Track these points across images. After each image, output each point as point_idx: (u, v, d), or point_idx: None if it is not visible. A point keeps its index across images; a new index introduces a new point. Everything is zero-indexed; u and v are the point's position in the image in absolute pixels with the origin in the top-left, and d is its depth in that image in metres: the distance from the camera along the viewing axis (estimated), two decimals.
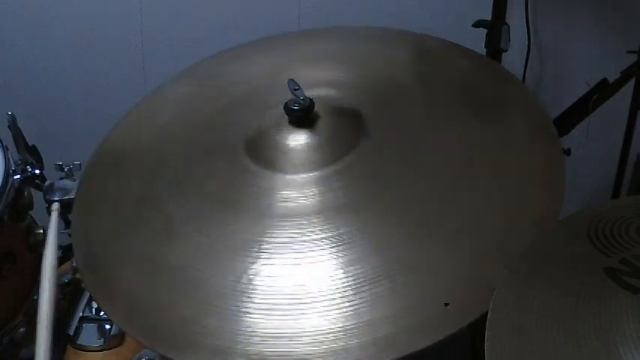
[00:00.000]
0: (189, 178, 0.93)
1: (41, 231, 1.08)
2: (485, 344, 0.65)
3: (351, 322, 0.75)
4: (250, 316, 0.77)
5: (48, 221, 1.03)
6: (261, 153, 0.92)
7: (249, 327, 0.76)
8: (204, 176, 0.93)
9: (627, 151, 1.43)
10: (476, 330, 0.72)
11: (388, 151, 0.91)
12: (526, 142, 0.93)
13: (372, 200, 0.86)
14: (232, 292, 0.79)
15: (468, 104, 0.97)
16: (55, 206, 1.03)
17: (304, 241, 0.82)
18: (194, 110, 1.05)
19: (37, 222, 1.11)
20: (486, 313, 0.69)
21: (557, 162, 0.90)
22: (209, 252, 0.83)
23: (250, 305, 0.77)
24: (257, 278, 0.79)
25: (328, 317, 0.75)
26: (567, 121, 1.27)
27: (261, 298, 0.78)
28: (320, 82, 0.98)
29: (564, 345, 0.64)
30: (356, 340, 0.73)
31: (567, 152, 1.31)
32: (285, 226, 0.84)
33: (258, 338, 0.75)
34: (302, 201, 0.86)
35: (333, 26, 1.18)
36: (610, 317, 0.65)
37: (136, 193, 0.93)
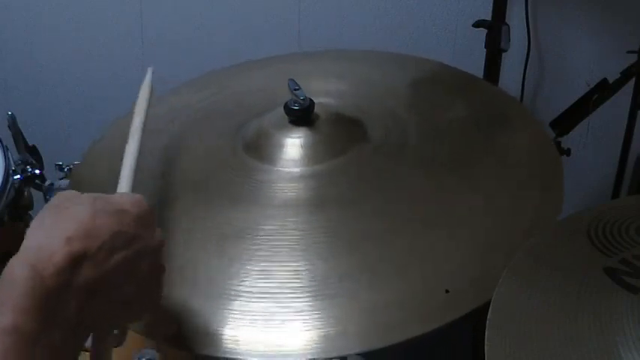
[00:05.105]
0: (189, 169, 0.94)
1: None
2: (485, 344, 0.65)
3: (348, 308, 0.75)
4: (241, 299, 0.76)
5: None
6: (260, 148, 0.93)
7: (239, 310, 0.75)
8: (202, 167, 0.94)
9: (627, 151, 1.43)
10: (478, 330, 0.72)
11: (387, 153, 0.93)
12: (524, 146, 0.95)
13: (371, 194, 0.88)
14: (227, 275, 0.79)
15: (469, 119, 1.00)
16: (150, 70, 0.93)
17: (301, 229, 0.83)
18: (196, 112, 1.06)
19: None
20: (487, 312, 0.69)
21: (555, 164, 0.92)
22: (203, 238, 0.84)
23: (241, 289, 0.77)
24: (250, 262, 0.80)
25: (322, 302, 0.75)
26: (567, 121, 1.28)
27: (254, 283, 0.78)
28: (321, 92, 0.99)
29: (564, 345, 0.64)
30: (354, 326, 0.73)
31: (567, 152, 1.32)
32: (280, 215, 0.85)
33: (247, 320, 0.74)
34: (296, 193, 0.88)
35: (334, 49, 1.21)
36: (610, 317, 0.65)
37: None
